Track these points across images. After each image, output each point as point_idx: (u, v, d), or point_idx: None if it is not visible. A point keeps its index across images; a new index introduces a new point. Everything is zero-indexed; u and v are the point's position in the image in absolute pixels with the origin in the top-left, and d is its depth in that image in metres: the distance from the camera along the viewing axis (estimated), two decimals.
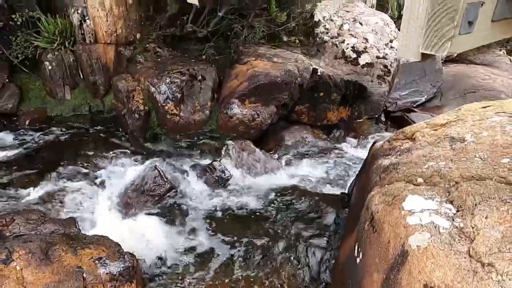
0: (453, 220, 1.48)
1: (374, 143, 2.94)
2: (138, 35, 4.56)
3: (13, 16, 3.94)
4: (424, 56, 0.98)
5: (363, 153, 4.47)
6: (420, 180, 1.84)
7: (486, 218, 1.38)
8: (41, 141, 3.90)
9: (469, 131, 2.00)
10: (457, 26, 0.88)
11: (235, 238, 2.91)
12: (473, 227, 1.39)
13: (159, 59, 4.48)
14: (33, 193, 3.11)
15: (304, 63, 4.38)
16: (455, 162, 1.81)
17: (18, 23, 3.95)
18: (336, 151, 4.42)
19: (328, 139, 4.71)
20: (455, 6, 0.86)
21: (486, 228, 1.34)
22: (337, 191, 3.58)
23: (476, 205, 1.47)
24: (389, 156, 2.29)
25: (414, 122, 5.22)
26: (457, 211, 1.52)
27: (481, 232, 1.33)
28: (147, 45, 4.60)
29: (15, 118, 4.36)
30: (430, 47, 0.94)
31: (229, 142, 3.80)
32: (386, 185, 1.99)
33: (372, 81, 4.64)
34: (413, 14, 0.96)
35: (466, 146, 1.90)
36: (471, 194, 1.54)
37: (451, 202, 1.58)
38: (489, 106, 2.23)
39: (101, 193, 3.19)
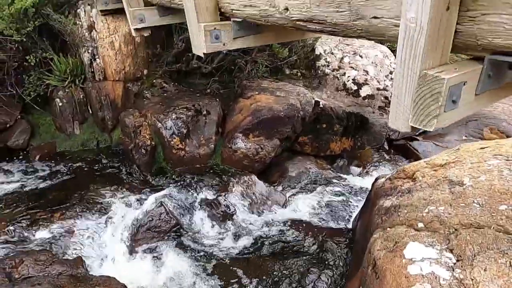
0: (453, 270, 1.51)
1: (376, 179, 2.98)
2: (145, 71, 4.73)
3: (27, 57, 4.12)
4: (414, 128, 1.06)
5: (367, 182, 4.50)
6: (420, 225, 1.88)
7: (485, 270, 1.41)
8: (50, 177, 3.98)
9: (467, 174, 2.04)
10: (441, 106, 0.95)
11: (239, 276, 2.91)
12: (472, 279, 1.41)
13: (165, 94, 4.62)
14: (42, 231, 3.16)
15: (306, 96, 4.49)
16: (454, 207, 1.85)
17: (32, 63, 4.12)
18: (340, 181, 4.45)
19: (332, 169, 4.75)
20: (438, 89, 0.93)
21: (485, 281, 1.36)
22: (342, 225, 3.60)
23: (475, 255, 1.50)
24: (390, 197, 2.33)
25: (417, 150, 5.26)
26: (457, 260, 1.55)
27: (480, 286, 1.36)
28: (154, 81, 4.76)
29: (25, 153, 4.47)
30: (419, 122, 1.01)
31: (234, 177, 3.86)
32: (388, 228, 2.03)
33: (373, 112, 4.73)
34: (401, 92, 1.04)
35: (465, 190, 1.94)
36: (470, 243, 1.57)
37: (451, 251, 1.61)
38: (486, 147, 2.28)
39: (107, 231, 3.23)
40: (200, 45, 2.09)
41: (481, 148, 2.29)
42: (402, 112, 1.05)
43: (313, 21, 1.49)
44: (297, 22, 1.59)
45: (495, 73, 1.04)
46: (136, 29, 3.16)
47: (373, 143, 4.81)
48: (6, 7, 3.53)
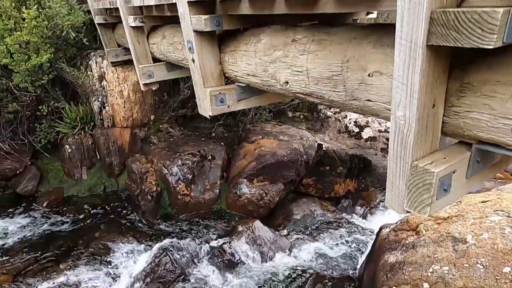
0: None
1: (381, 229, 2.99)
2: (152, 117, 4.89)
3: (40, 107, 4.30)
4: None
5: (372, 224, 4.47)
6: (426, 285, 1.88)
7: None
8: (56, 225, 4.02)
9: (470, 231, 2.06)
10: (433, 195, 1.01)
11: None
12: None
13: (171, 139, 4.74)
14: (47, 284, 3.15)
15: (309, 140, 4.58)
16: (458, 268, 1.85)
17: (44, 113, 4.29)
18: (345, 223, 4.43)
19: (337, 210, 4.74)
20: (429, 180, 1.00)
21: None
22: (348, 272, 3.55)
23: None
24: (395, 251, 2.33)
25: None
26: None
27: None
28: (161, 126, 4.91)
29: (32, 198, 4.54)
30: (413, 208, 1.06)
31: (238, 223, 3.87)
32: (394, 287, 2.02)
33: (376, 155, 4.79)
34: (395, 178, 1.10)
35: (468, 249, 1.95)
36: None
37: None
38: (487, 201, 2.31)
39: (112, 282, 3.22)
40: (206, 108, 2.20)
41: (482, 202, 2.32)
42: (397, 196, 1.11)
43: (312, 95, 1.59)
44: (297, 94, 1.69)
45: (483, 159, 1.11)
46: (145, 84, 3.33)
47: (377, 184, 4.82)
48: (23, 63, 3.74)
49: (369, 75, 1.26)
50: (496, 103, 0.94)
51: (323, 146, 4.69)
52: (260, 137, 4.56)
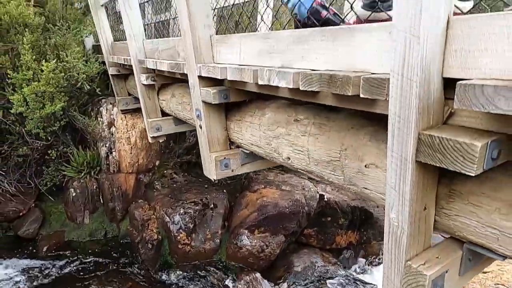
0: None
1: None
2: (157, 162, 4.98)
3: (49, 151, 4.42)
4: None
5: (374, 277, 4.40)
6: None
7: None
8: (54, 273, 3.99)
9: None
10: None
11: None
12: None
13: (175, 185, 4.80)
14: None
15: (311, 190, 4.62)
16: None
17: (53, 157, 4.40)
18: (347, 276, 4.36)
19: (338, 262, 4.67)
20: (422, 282, 1.04)
21: None
22: None
23: None
24: None
25: None
26: None
27: None
28: (165, 171, 4.99)
29: (33, 241, 4.53)
30: None
31: (239, 275, 3.83)
32: None
33: (377, 207, 4.79)
34: (390, 274, 1.15)
35: None
36: None
37: None
38: (489, 272, 2.30)
39: None
40: (211, 172, 2.28)
41: (484, 272, 2.31)
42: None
43: (313, 174, 1.67)
44: (299, 170, 1.78)
45: (475, 257, 1.15)
46: (153, 137, 3.45)
47: (378, 237, 4.79)
48: (38, 111, 3.90)
49: (365, 166, 1.34)
50: (482, 213, 1.00)
51: (325, 196, 4.72)
52: (263, 186, 4.61)
